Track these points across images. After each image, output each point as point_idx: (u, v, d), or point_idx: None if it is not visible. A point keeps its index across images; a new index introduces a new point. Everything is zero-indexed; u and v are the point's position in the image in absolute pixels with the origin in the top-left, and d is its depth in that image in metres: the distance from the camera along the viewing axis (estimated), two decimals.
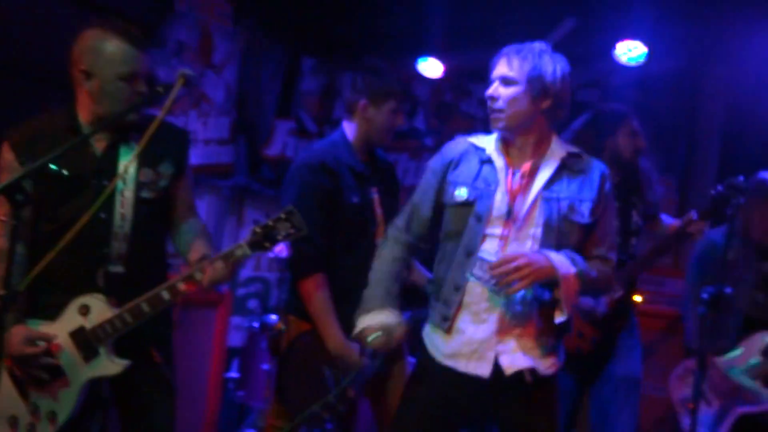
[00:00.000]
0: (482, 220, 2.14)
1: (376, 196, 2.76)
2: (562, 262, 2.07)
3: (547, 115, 2.17)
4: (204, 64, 4.64)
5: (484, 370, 2.12)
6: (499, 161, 2.19)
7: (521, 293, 2.10)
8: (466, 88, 5.37)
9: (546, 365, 2.16)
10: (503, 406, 2.18)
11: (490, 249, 2.13)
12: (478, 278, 2.12)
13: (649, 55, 4.09)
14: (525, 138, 2.19)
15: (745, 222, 3.10)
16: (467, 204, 2.16)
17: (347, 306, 2.64)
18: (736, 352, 3.16)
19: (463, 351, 2.14)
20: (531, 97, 2.12)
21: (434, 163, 2.30)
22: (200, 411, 3.78)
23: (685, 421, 3.23)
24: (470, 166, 2.21)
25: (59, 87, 2.27)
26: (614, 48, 4.14)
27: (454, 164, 2.23)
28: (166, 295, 2.14)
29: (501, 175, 2.17)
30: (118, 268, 2.19)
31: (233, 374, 4.12)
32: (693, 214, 2.88)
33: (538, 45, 2.18)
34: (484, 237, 2.14)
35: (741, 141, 4.22)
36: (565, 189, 2.17)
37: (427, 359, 2.23)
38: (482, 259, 2.11)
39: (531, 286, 2.07)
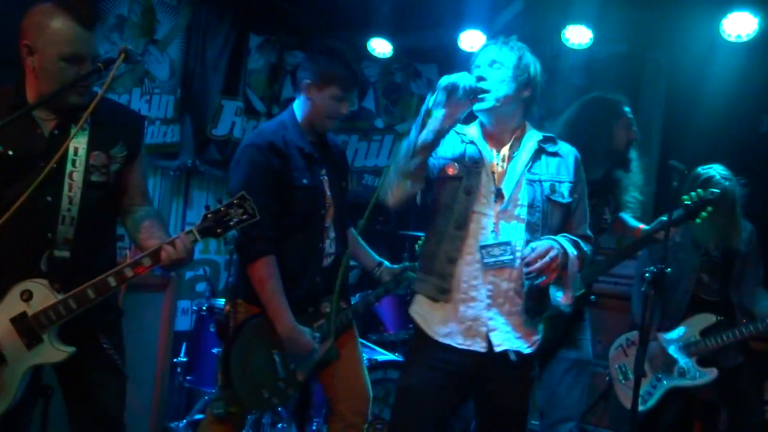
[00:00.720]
0: (472, 194, 2.22)
1: (326, 178, 2.74)
2: (568, 245, 2.18)
3: (525, 104, 2.29)
4: (146, 39, 4.48)
5: (480, 345, 2.21)
6: (482, 144, 2.28)
7: (518, 273, 2.19)
8: (416, 69, 5.37)
9: (529, 344, 2.26)
10: (484, 381, 2.26)
11: (482, 229, 2.20)
12: (491, 265, 2.18)
13: (595, 39, 4.17)
14: (504, 125, 2.29)
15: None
16: (456, 178, 2.24)
17: (296, 289, 2.62)
18: (678, 330, 3.30)
19: (457, 328, 2.21)
20: (517, 84, 2.23)
21: None
22: (148, 396, 3.72)
23: (620, 389, 3.37)
24: (454, 144, 2.29)
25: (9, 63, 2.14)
26: (561, 31, 4.20)
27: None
28: (112, 281, 2.09)
29: (485, 157, 2.26)
30: (63, 253, 2.12)
31: (181, 359, 4.06)
32: (664, 218, 2.88)
33: (519, 42, 2.29)
34: (472, 213, 2.21)
35: (681, 126, 4.35)
36: (545, 171, 2.28)
37: (422, 338, 2.28)
38: (486, 246, 2.18)
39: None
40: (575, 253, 2.18)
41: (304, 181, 2.64)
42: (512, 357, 2.21)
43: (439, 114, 2.11)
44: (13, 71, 2.15)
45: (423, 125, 2.12)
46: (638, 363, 2.54)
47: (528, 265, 2.10)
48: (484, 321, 2.21)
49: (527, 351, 2.26)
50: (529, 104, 2.31)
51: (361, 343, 3.77)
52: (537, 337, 2.30)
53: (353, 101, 2.78)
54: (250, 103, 5.03)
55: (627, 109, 3.05)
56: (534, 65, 2.27)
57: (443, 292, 2.24)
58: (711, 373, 3.21)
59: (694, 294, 3.33)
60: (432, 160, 2.23)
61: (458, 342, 2.22)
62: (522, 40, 2.34)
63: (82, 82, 2.07)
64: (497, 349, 2.20)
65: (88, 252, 2.17)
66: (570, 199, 2.29)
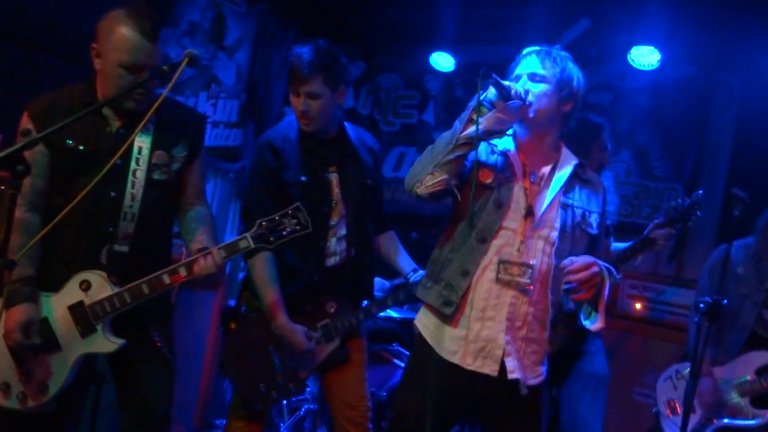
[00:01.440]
0: (502, 207, 2.10)
1: (334, 176, 2.67)
2: (606, 270, 2.07)
3: (563, 119, 2.18)
4: (216, 45, 4.63)
5: (491, 368, 2.09)
6: (515, 159, 2.17)
7: (537, 297, 2.10)
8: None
9: (538, 373, 2.17)
10: (494, 405, 2.16)
11: (506, 245, 2.09)
12: (505, 283, 2.08)
13: (663, 61, 4.07)
14: (541, 139, 2.19)
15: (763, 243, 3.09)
16: (489, 187, 2.13)
17: (293, 285, 2.61)
18: (732, 366, 3.16)
19: (468, 348, 2.10)
20: (558, 98, 2.12)
21: None
22: (194, 391, 3.80)
23: (667, 424, 3.24)
24: (489, 154, 2.18)
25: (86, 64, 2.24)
26: (628, 51, 4.12)
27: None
28: (167, 279, 2.16)
29: (518, 172, 2.15)
30: (123, 248, 2.21)
31: None
32: (657, 220, 2.98)
33: (562, 51, 2.19)
34: (500, 229, 2.10)
35: (751, 151, 4.17)
36: (578, 198, 2.19)
37: (426, 353, 2.17)
38: (506, 262, 2.08)
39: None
40: (610, 280, 2.07)
41: (302, 178, 2.60)
42: (523, 391, 2.10)
43: (489, 113, 2.02)
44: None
45: (470, 120, 2.04)
46: (688, 397, 2.45)
47: (570, 273, 1.99)
48: (500, 343, 2.08)
49: (534, 382, 2.15)
50: (568, 118, 2.19)
51: (402, 354, 3.77)
52: (543, 368, 2.19)
53: (314, 96, 2.53)
54: None
55: (605, 134, 3.11)
56: (577, 77, 2.16)
57: (448, 304, 2.10)
58: (765, 416, 3.06)
59: (752, 330, 3.18)
60: (465, 163, 2.11)
61: (466, 363, 2.09)
62: (588, 59, 2.27)
63: (138, 90, 2.13)
64: (510, 376, 2.07)
65: (146, 248, 2.25)
66: (597, 232, 2.19)
